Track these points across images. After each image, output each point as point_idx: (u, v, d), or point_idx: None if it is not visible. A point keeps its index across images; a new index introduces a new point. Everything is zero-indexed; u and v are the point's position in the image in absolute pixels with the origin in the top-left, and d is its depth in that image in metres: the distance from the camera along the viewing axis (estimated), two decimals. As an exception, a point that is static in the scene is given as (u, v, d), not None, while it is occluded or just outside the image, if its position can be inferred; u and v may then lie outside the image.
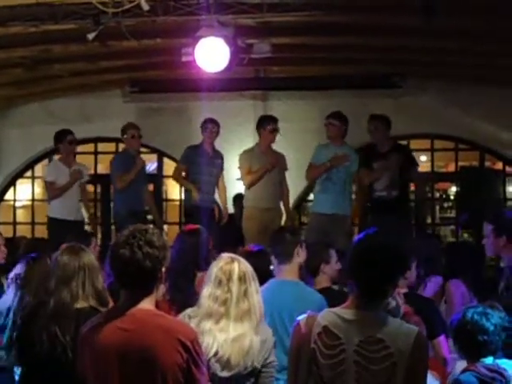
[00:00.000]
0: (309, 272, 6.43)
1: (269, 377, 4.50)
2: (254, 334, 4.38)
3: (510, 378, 4.31)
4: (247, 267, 4.53)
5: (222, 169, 10.39)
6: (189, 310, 4.49)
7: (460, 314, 4.64)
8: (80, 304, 4.49)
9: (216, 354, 4.25)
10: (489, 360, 4.41)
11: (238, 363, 4.31)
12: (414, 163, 9.93)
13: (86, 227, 11.29)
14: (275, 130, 9.95)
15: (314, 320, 3.46)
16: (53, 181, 10.48)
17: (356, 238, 3.68)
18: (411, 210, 9.88)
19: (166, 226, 12.77)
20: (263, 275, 6.02)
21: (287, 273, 5.83)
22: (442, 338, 5.73)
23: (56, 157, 11.90)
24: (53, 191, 10.52)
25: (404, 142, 11.52)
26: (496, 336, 4.46)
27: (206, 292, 4.46)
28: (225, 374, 4.29)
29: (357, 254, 3.54)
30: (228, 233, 10.05)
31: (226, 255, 4.62)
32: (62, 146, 10.55)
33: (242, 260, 4.58)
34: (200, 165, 10.13)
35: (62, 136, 10.46)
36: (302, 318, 3.54)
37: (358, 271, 3.50)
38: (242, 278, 4.44)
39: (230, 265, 4.49)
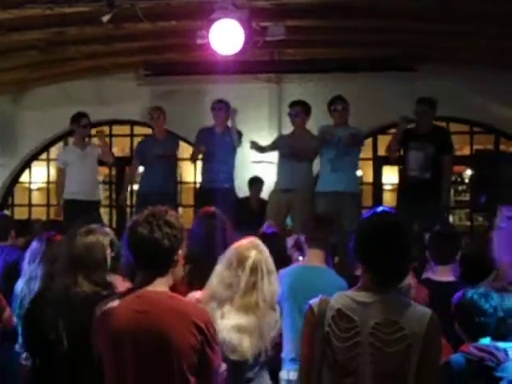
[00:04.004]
0: None
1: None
2: (265, 329, 4.37)
3: (505, 358, 4.25)
4: (264, 258, 4.48)
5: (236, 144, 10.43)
6: (197, 294, 4.47)
7: (461, 293, 4.63)
8: (83, 288, 4.37)
9: (223, 340, 4.25)
10: (485, 341, 4.37)
11: (246, 353, 4.32)
12: (450, 151, 9.87)
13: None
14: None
15: (328, 303, 3.44)
16: (61, 166, 10.65)
17: (362, 217, 3.63)
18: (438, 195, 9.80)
19: (180, 209, 12.80)
20: (277, 258, 6.04)
21: (318, 258, 5.85)
22: None
23: (71, 140, 12.02)
24: (58, 179, 10.86)
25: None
26: (494, 318, 4.42)
27: (217, 270, 4.44)
28: (235, 357, 4.29)
29: (364, 235, 3.49)
30: (243, 216, 10.07)
31: (248, 240, 4.58)
32: (76, 128, 10.66)
33: (263, 249, 4.53)
34: (210, 145, 10.25)
35: (76, 119, 10.56)
36: (314, 301, 3.52)
37: (366, 253, 3.47)
38: (254, 269, 4.40)
39: (247, 251, 4.44)
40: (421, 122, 9.79)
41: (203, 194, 10.37)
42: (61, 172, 10.87)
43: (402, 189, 10.13)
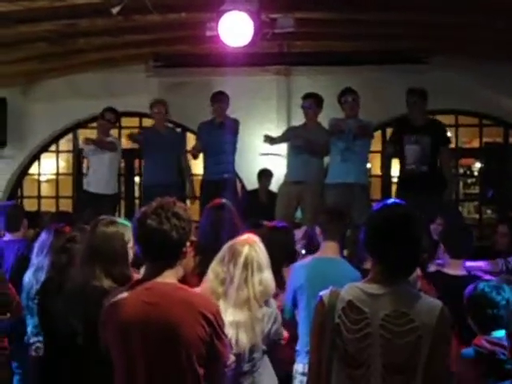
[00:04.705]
0: None
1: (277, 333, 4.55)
2: (257, 323, 4.37)
3: None
4: (257, 255, 4.49)
5: (232, 135, 10.38)
6: (196, 289, 4.46)
7: (473, 286, 4.60)
8: (102, 283, 4.34)
9: None
10: (499, 333, 4.30)
11: (243, 347, 4.33)
12: (446, 142, 9.86)
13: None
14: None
15: (338, 295, 3.44)
16: (87, 157, 10.83)
17: (373, 208, 3.62)
18: (441, 186, 9.77)
19: (188, 201, 12.82)
20: (285, 252, 6.04)
21: (333, 250, 5.84)
22: None
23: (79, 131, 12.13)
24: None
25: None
26: (507, 310, 4.35)
27: (212, 265, 4.46)
28: (233, 351, 4.29)
29: (374, 227, 3.48)
30: (252, 208, 10.08)
31: (245, 236, 4.59)
32: (100, 121, 10.76)
33: (257, 245, 4.54)
34: (210, 137, 10.30)
35: (102, 112, 10.68)
36: (324, 293, 3.51)
37: (376, 245, 3.45)
38: (246, 265, 4.40)
39: (240, 247, 4.45)
40: (412, 113, 9.76)
41: (205, 186, 10.40)
42: (86, 163, 11.03)
43: (400, 183, 10.09)
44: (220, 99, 10.34)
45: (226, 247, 4.51)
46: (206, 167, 10.62)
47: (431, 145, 9.54)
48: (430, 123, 9.80)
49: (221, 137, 10.16)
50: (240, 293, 4.38)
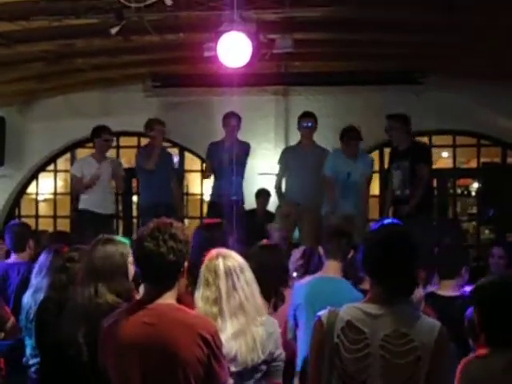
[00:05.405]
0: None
1: (277, 370, 4.49)
2: (254, 327, 4.34)
3: None
4: (234, 260, 4.45)
5: (242, 158, 10.40)
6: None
7: None
8: (106, 299, 4.35)
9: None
10: None
11: (245, 359, 4.29)
12: (423, 161, 9.73)
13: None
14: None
15: (337, 315, 3.44)
16: (79, 176, 10.60)
17: (370, 229, 3.63)
18: (428, 208, 9.78)
19: (187, 221, 12.80)
20: (274, 270, 5.98)
21: (335, 270, 5.78)
22: None
23: (78, 151, 12.05)
24: (77, 185, 10.80)
25: (425, 139, 11.55)
26: None
27: (198, 293, 4.41)
28: (236, 368, 4.27)
29: (371, 247, 3.49)
30: (249, 228, 10.06)
31: (213, 251, 4.57)
32: (96, 141, 10.66)
33: (230, 253, 4.51)
34: (217, 159, 10.28)
35: (97, 132, 10.57)
36: (323, 313, 3.52)
37: (374, 265, 3.47)
38: (228, 273, 4.37)
39: (215, 261, 4.42)
40: (394, 138, 9.88)
41: (213, 207, 10.35)
42: (75, 180, 10.86)
43: (392, 209, 10.12)
44: (230, 121, 10.32)
45: (202, 270, 4.48)
46: (214, 188, 10.60)
47: (410, 168, 9.58)
48: (411, 147, 9.78)
49: (231, 159, 10.13)
50: (232, 301, 4.36)
